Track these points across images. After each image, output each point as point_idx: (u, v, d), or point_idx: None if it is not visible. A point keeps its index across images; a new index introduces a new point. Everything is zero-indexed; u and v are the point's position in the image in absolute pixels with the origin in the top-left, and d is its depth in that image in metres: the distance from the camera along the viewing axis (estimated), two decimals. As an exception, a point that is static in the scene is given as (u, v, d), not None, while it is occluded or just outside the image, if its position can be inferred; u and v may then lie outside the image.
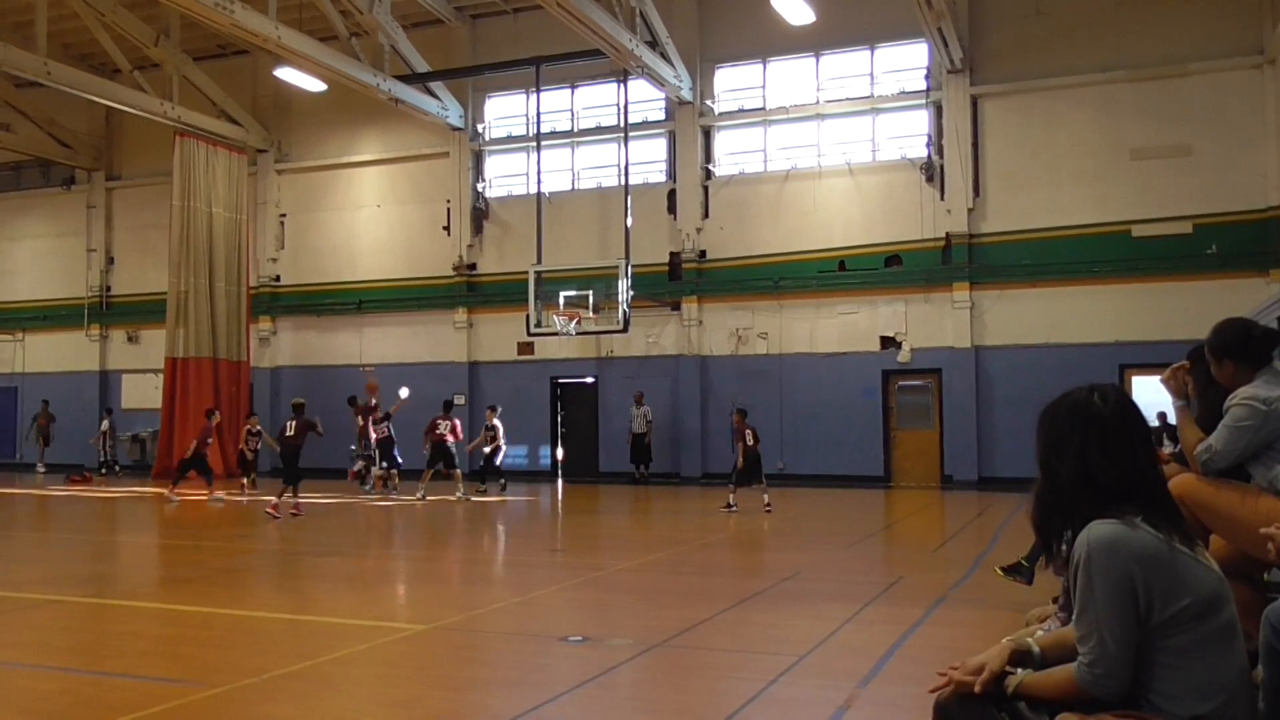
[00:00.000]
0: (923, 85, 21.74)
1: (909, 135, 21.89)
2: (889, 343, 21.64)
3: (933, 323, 21.31)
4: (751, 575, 9.81)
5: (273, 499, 15.72)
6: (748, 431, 16.19)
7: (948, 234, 21.17)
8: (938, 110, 21.50)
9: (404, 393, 19.47)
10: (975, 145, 21.19)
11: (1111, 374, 18.91)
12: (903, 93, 21.95)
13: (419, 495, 18.34)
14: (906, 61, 22.02)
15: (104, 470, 25.57)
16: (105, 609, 8.50)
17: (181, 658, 6.60)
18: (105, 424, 25.60)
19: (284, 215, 27.23)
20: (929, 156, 21.43)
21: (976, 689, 2.72)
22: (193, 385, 24.77)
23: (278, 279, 27.15)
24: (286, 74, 22.14)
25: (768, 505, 15.93)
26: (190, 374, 24.91)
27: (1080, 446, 2.67)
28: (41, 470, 26.90)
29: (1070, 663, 2.62)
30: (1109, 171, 20.24)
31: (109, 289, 29.19)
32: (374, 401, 19.94)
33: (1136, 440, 2.70)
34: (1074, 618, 2.61)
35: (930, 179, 21.36)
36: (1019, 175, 20.91)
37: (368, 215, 26.32)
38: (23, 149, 27.96)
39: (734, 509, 15.89)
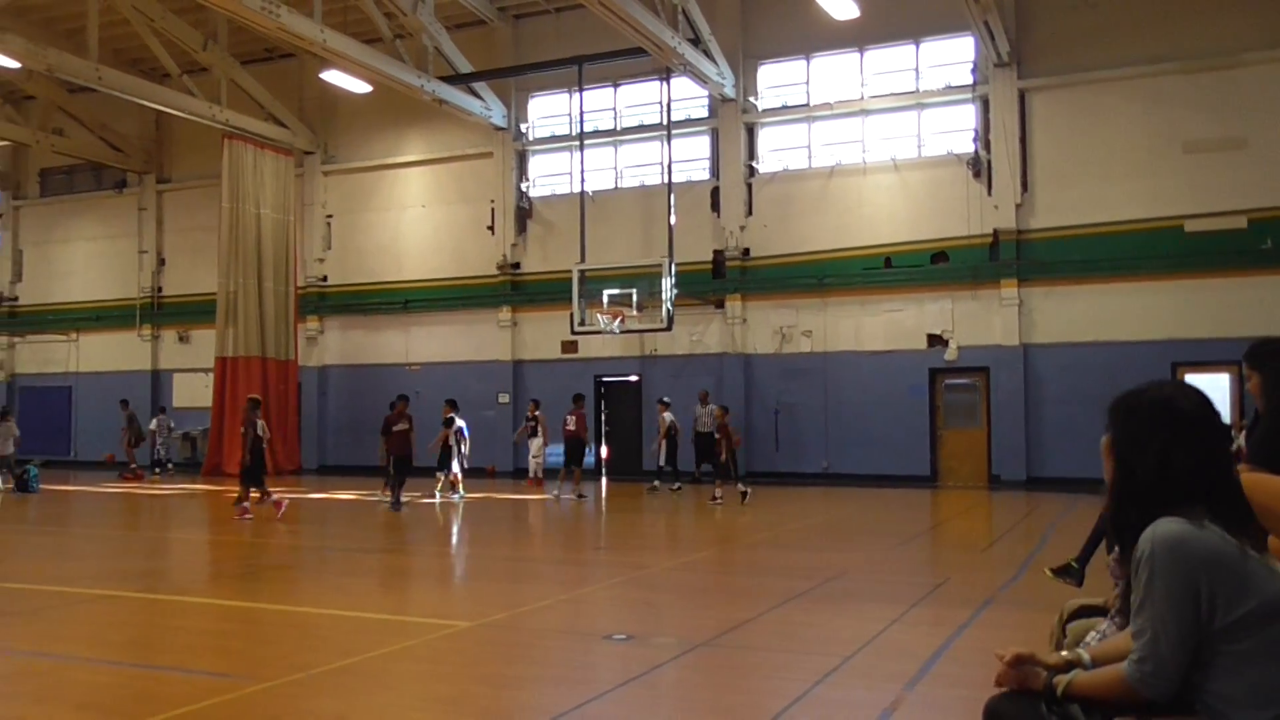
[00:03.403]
0: (969, 79, 21.47)
1: (955, 130, 21.63)
2: (935, 340, 21.41)
3: (980, 320, 21.05)
4: (796, 575, 9.75)
5: (394, 497, 16.35)
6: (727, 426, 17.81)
7: (995, 230, 20.90)
8: (984, 105, 21.23)
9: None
10: (1023, 140, 20.89)
11: (1164, 372, 18.56)
12: (948, 87, 21.70)
13: (576, 494, 18.63)
14: (952, 55, 21.75)
15: (157, 469, 25.72)
16: (157, 604, 8.64)
17: (231, 652, 6.69)
18: (154, 422, 25.63)
19: (330, 216, 27.51)
20: (976, 151, 21.17)
21: (1007, 660, 2.75)
22: (242, 384, 25.06)
23: (325, 279, 27.43)
24: (332, 76, 22.35)
25: (718, 498, 17.30)
26: (239, 373, 25.23)
27: (1162, 444, 2.62)
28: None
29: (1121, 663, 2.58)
30: (1160, 165, 19.86)
31: (160, 290, 29.66)
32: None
33: (1216, 440, 2.66)
34: (1132, 612, 2.56)
35: (977, 174, 21.10)
36: (1068, 170, 20.59)
37: (413, 215, 26.52)
38: (76, 153, 28.52)
39: (749, 494, 17.38)
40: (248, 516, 14.79)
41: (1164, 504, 2.59)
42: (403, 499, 16.68)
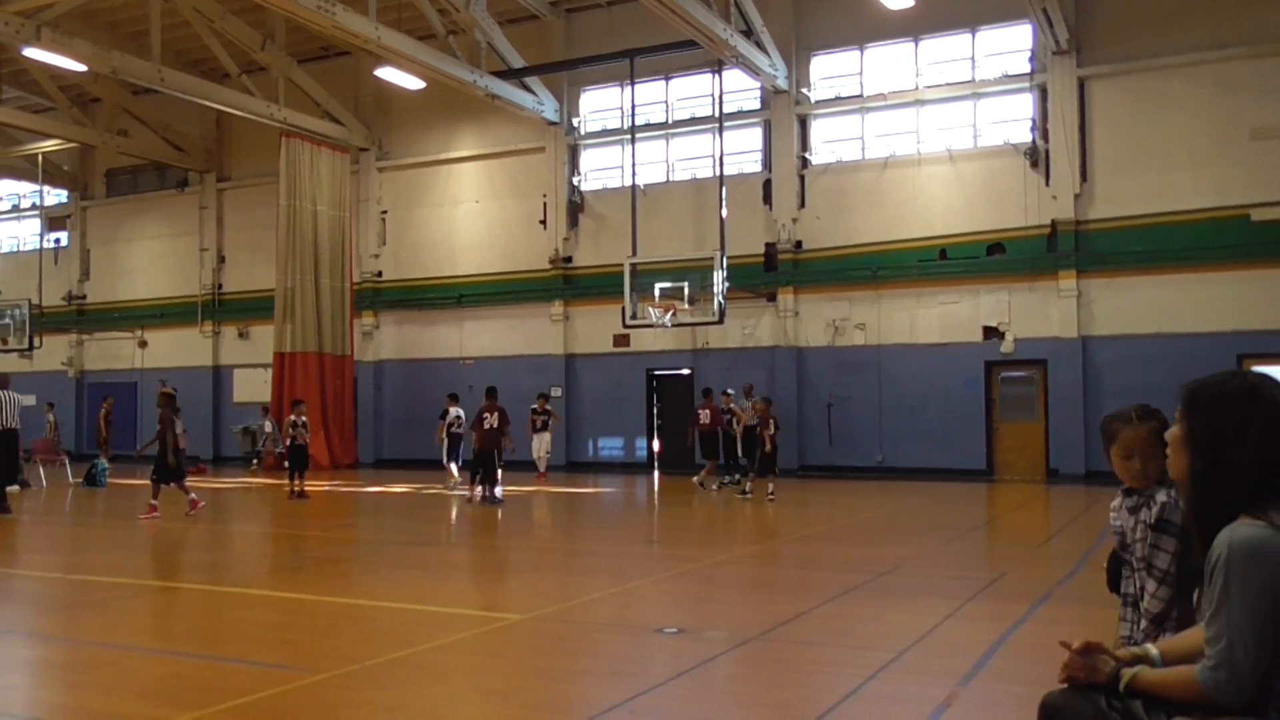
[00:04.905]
0: (1027, 68, 21.11)
1: (1012, 120, 21.28)
2: (992, 333, 21.12)
3: (1037, 312, 20.72)
4: (849, 569, 9.68)
5: (472, 490, 16.49)
6: (772, 420, 17.18)
7: (1053, 221, 20.55)
8: (1042, 93, 20.87)
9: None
10: (1082, 129, 20.49)
11: (1229, 364, 18.15)
12: (1005, 76, 21.36)
13: (717, 485, 18.76)
14: (1009, 44, 21.40)
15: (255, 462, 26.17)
16: (217, 596, 8.81)
17: (289, 644, 6.80)
18: (267, 424, 25.92)
19: (385, 212, 27.81)
20: (1033, 141, 20.82)
21: (1076, 648, 2.70)
22: (300, 379, 25.47)
23: (380, 274, 27.76)
24: (386, 73, 22.58)
25: (771, 494, 16.67)
26: (298, 368, 25.62)
27: (1262, 433, 2.52)
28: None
29: (1192, 664, 2.51)
30: (1226, 153, 19.38)
31: (220, 287, 30.21)
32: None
33: None
34: (1206, 618, 2.49)
35: (1035, 164, 20.76)
36: (1129, 159, 20.18)
37: (466, 211, 26.72)
38: (140, 154, 29.15)
39: (749, 496, 16.89)
40: (155, 515, 14.26)
41: (1254, 497, 2.49)
42: (468, 491, 16.92)
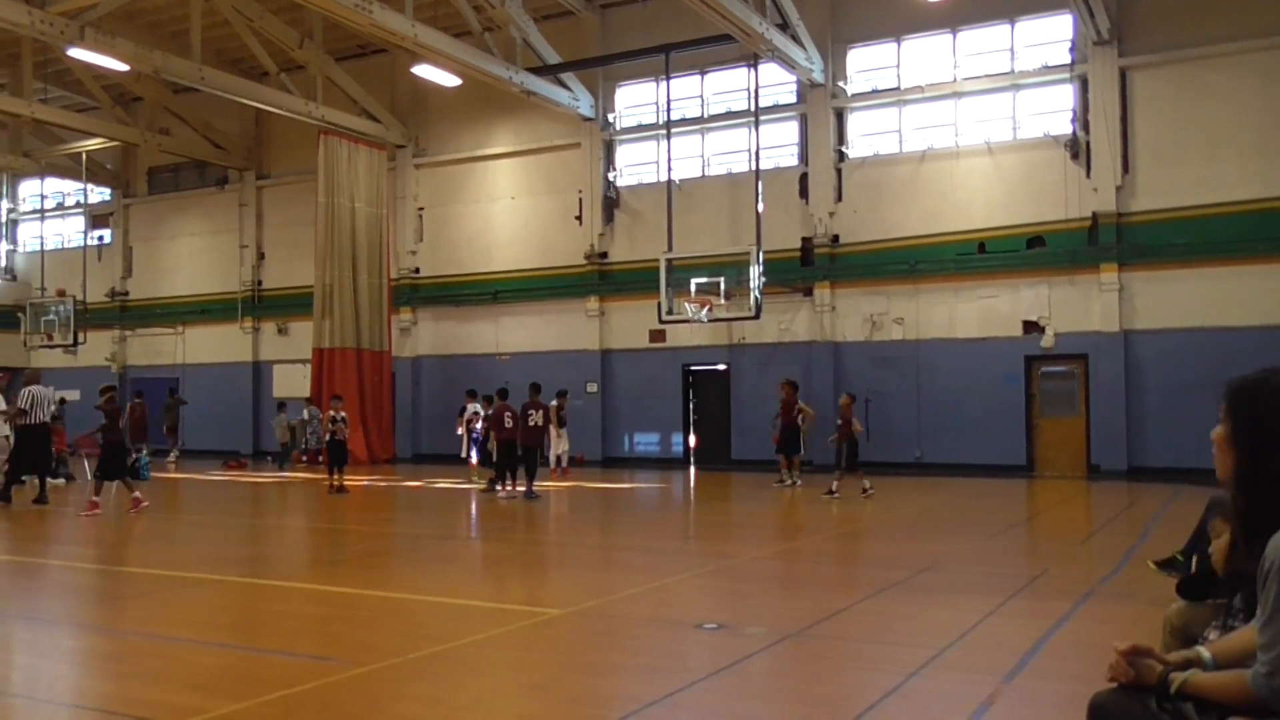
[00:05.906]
0: (1067, 58, 20.85)
1: (1052, 111, 21.03)
2: (1031, 327, 20.89)
3: (1078, 306, 20.48)
4: (889, 565, 9.62)
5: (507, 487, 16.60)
6: (855, 418, 16.85)
7: (1094, 213, 20.29)
8: (1083, 84, 20.60)
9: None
10: (1124, 120, 20.21)
11: (1275, 358, 17.81)
12: (1045, 67, 21.10)
13: (786, 482, 18.39)
14: (1049, 34, 21.15)
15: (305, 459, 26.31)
16: (261, 589, 8.91)
17: (331, 637, 6.87)
18: (306, 413, 26.23)
19: (422, 209, 27.97)
20: (1074, 133, 20.56)
21: (1123, 651, 2.65)
22: (338, 375, 25.67)
23: (417, 271, 27.92)
24: (423, 70, 22.68)
25: (869, 489, 16.29)
26: (336, 364, 25.83)
27: None
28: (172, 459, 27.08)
29: (1244, 668, 2.47)
30: (1271, 143, 19.02)
31: (260, 283, 30.52)
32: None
33: None
34: (1260, 624, 2.44)
35: (1075, 156, 20.50)
36: (1172, 150, 19.87)
37: (502, 207, 26.81)
38: (181, 151, 29.50)
39: (836, 495, 16.19)
40: (96, 512, 14.02)
41: None
42: (500, 488, 16.97)
